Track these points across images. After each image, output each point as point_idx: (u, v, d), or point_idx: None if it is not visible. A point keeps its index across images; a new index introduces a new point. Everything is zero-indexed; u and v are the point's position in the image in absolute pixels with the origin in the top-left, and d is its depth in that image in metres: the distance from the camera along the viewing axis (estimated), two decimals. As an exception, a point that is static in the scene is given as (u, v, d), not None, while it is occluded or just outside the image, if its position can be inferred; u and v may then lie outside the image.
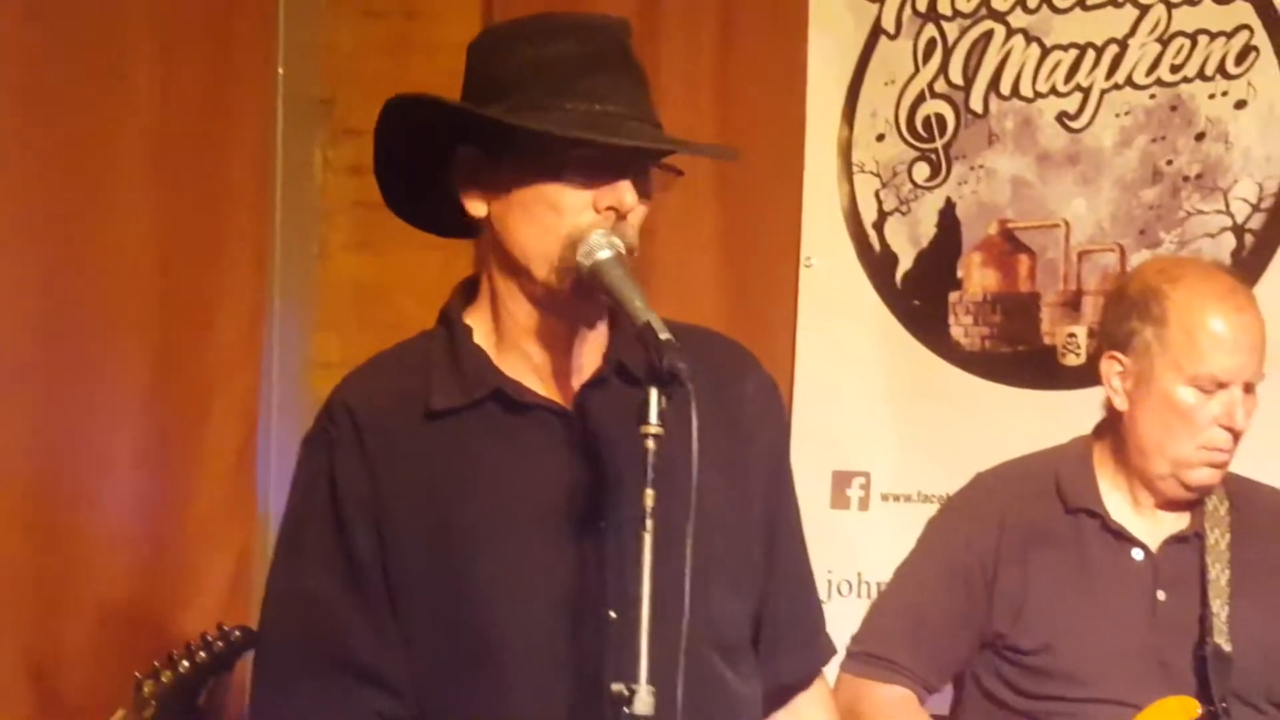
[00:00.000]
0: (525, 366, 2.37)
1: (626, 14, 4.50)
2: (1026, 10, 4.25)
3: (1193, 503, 3.32)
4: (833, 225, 4.44)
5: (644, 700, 2.07)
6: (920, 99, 4.35)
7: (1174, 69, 4.10)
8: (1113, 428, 3.36)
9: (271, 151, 4.84)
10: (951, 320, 4.32)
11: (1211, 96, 4.07)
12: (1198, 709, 3.21)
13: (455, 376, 2.37)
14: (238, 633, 3.75)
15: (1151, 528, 3.33)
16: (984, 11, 4.29)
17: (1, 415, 3.99)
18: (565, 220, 2.29)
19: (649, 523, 2.11)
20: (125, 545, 4.29)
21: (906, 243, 4.39)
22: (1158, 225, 4.11)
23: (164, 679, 3.64)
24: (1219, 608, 3.24)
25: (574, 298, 2.31)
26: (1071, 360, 4.19)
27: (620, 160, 2.29)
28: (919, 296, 4.37)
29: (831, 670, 3.42)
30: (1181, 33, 4.10)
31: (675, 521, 2.14)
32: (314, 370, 4.96)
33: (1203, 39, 4.07)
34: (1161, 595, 3.29)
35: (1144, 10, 4.14)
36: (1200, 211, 4.06)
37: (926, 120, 4.35)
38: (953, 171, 4.32)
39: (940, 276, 4.35)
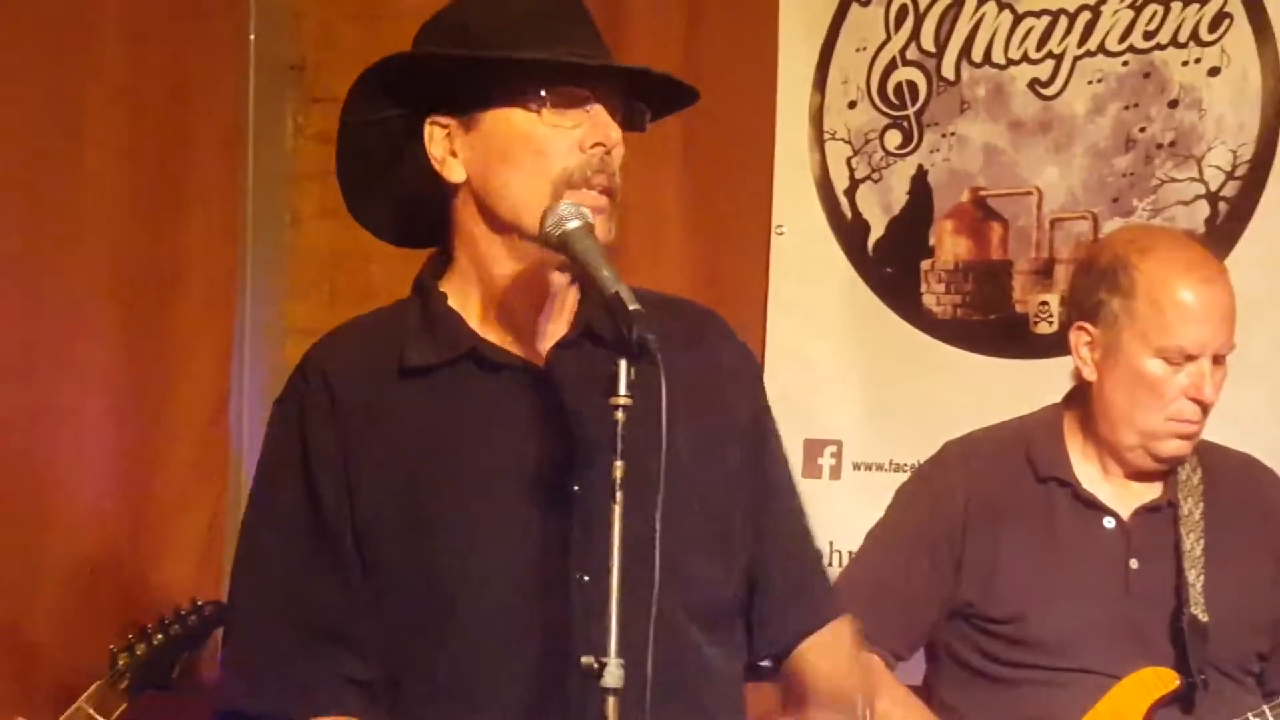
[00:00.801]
0: (501, 329, 2.37)
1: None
2: (998, -24, 4.25)
3: (1164, 472, 3.32)
4: (804, 193, 4.44)
5: (613, 673, 2.06)
6: (892, 66, 4.35)
7: (1147, 35, 4.09)
8: (1082, 397, 3.36)
9: (243, 118, 4.84)
10: (924, 288, 4.32)
11: (1185, 63, 4.06)
12: (1175, 680, 3.21)
13: (430, 337, 2.37)
14: (209, 606, 3.78)
15: (1123, 496, 3.33)
16: (955, -23, 4.29)
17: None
18: (551, 162, 2.29)
19: (618, 494, 2.11)
20: (98, 509, 4.30)
21: (878, 210, 4.38)
22: (1131, 193, 4.10)
23: (138, 651, 3.66)
24: (1194, 578, 3.24)
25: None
26: (1044, 328, 4.19)
27: (595, 97, 2.30)
28: (891, 264, 4.37)
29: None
30: (1154, -1, 4.10)
31: (648, 490, 2.13)
32: (286, 336, 4.96)
33: (1176, 5, 4.06)
34: (1134, 564, 3.29)
35: (1117, -24, 4.14)
36: (1174, 179, 4.05)
37: (898, 87, 4.34)
38: (924, 139, 4.31)
39: (912, 244, 4.34)
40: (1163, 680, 3.21)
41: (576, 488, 2.31)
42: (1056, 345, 4.01)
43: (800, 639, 2.52)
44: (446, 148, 2.36)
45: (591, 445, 2.27)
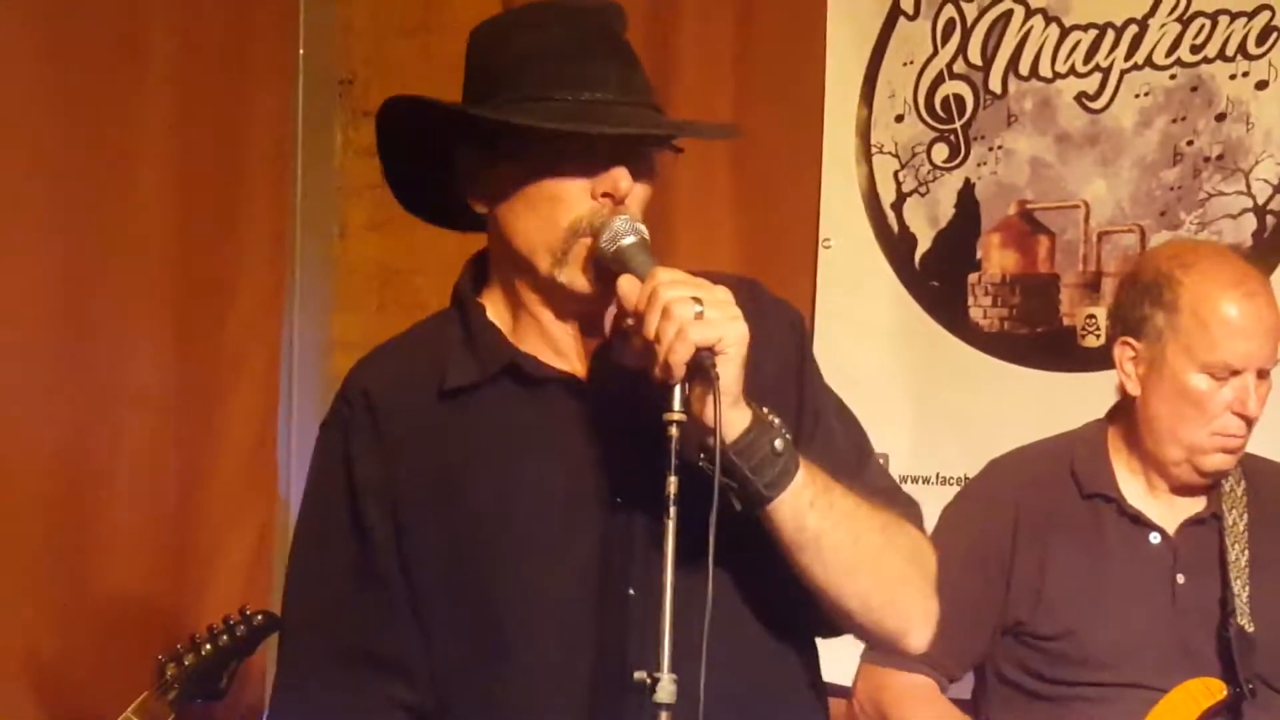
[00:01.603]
0: (540, 341, 2.37)
1: (642, -2, 4.59)
2: (1046, -10, 4.25)
3: (1208, 485, 3.31)
4: (851, 206, 4.44)
5: (666, 689, 2.07)
6: (939, 79, 4.35)
7: (1194, 49, 4.08)
8: (1126, 412, 3.35)
9: (292, 132, 4.86)
10: (970, 301, 4.31)
11: (1232, 77, 4.05)
12: (1223, 690, 3.20)
13: (469, 354, 2.37)
14: (259, 616, 3.78)
15: (1168, 511, 3.32)
16: (1003, -9, 4.29)
17: (22, 395, 4.01)
18: (565, 211, 2.28)
19: (672, 510, 2.11)
20: (146, 524, 4.32)
21: (925, 224, 4.38)
22: (1178, 206, 4.09)
23: (186, 661, 3.67)
24: (1240, 589, 3.23)
25: (591, 292, 2.30)
26: (1091, 342, 4.17)
27: (612, 148, 2.28)
28: (938, 278, 4.36)
29: (853, 660, 3.44)
30: (1202, 13, 4.08)
31: (698, 499, 2.14)
32: (334, 350, 4.98)
33: (1223, 19, 4.05)
34: (1181, 578, 3.28)
35: (1164, -10, 4.13)
36: (1221, 193, 4.04)
37: (945, 101, 4.34)
38: (972, 152, 4.31)
39: (959, 258, 4.34)
40: (1211, 691, 3.20)
41: (620, 499, 2.30)
42: (1104, 358, 3.99)
43: None
44: (471, 181, 2.38)
45: (635, 455, 2.25)
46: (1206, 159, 4.06)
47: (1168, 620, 3.26)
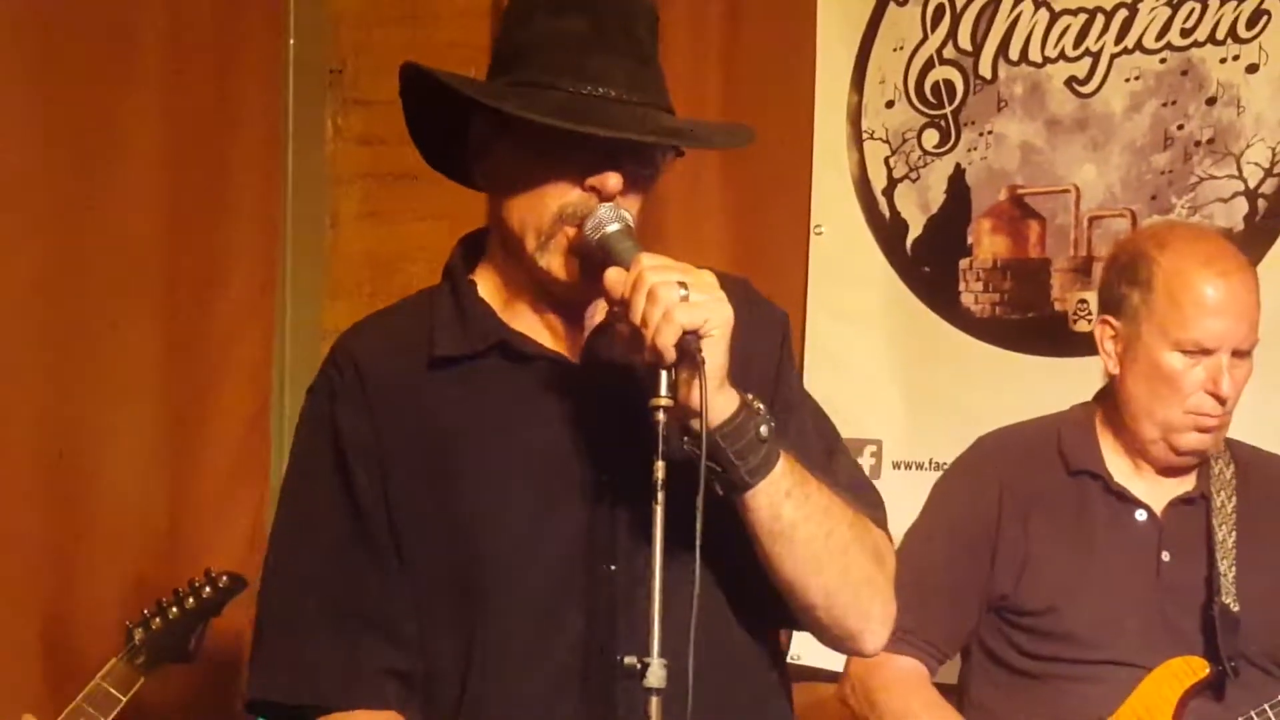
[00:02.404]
0: (532, 320, 2.39)
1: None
2: (1035, -25, 4.25)
3: (1193, 465, 3.32)
4: (842, 193, 4.44)
5: (656, 673, 2.08)
6: (929, 65, 4.34)
7: (1184, 33, 4.08)
8: (1112, 392, 3.37)
9: (282, 121, 4.86)
10: (962, 287, 4.32)
11: (1223, 60, 4.05)
12: (1206, 668, 3.22)
13: (460, 328, 2.39)
14: (225, 578, 3.79)
15: (1155, 490, 3.34)
16: (993, -24, 4.29)
17: (13, 384, 4.00)
18: (554, 198, 2.30)
19: (660, 495, 2.12)
20: (138, 513, 4.31)
21: (916, 209, 4.38)
22: (1169, 190, 4.10)
23: (154, 626, 3.67)
24: (1226, 568, 3.24)
25: (572, 281, 2.33)
26: (1082, 326, 4.17)
27: (606, 146, 2.29)
28: (929, 263, 4.36)
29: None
30: (1191, -4, 4.09)
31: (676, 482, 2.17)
32: (325, 339, 4.96)
33: (1213, 3, 4.05)
34: (1166, 556, 3.29)
35: (1154, -26, 4.13)
36: (1212, 176, 4.04)
37: (935, 86, 4.34)
38: (962, 138, 4.31)
39: (950, 243, 4.34)
40: (1193, 669, 3.22)
41: (604, 480, 2.33)
42: (1095, 343, 4.01)
43: None
44: (477, 153, 2.41)
45: (623, 435, 2.27)
46: (1197, 143, 4.07)
47: (1151, 598, 3.28)
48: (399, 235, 4.75)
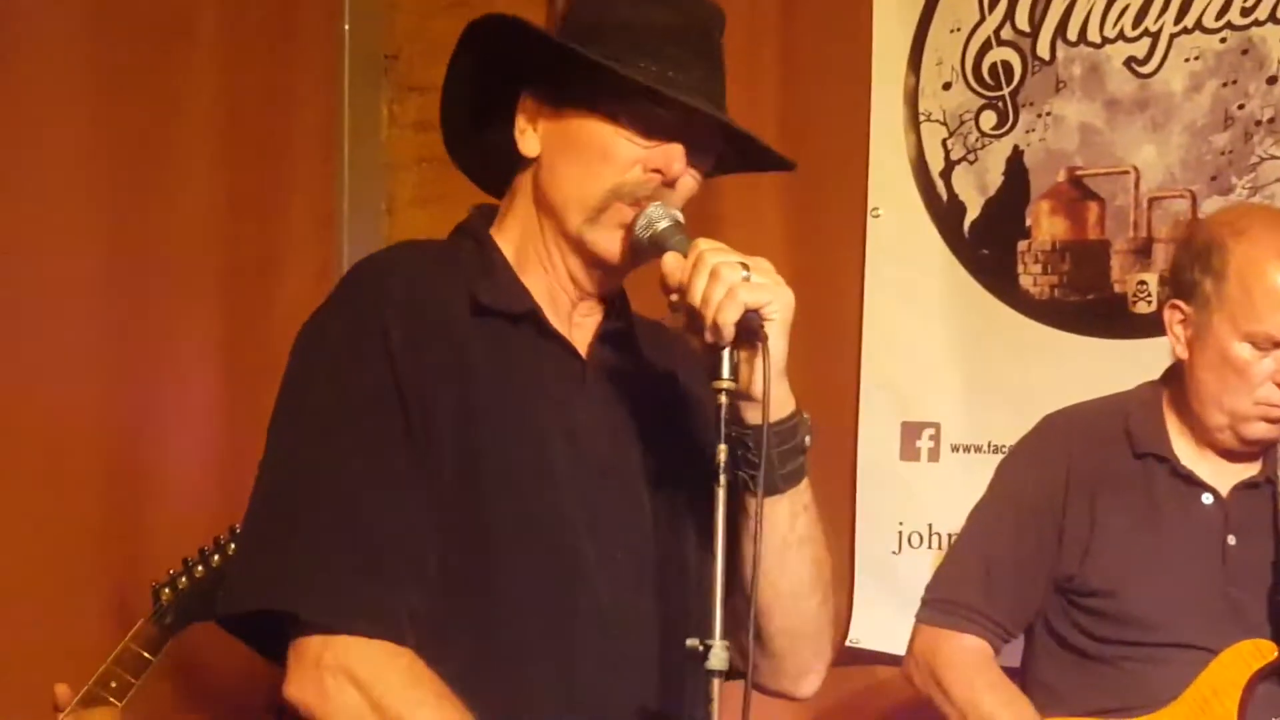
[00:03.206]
0: (544, 298, 2.37)
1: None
2: (1094, -45, 4.22)
3: (1261, 450, 3.30)
4: (899, 175, 4.43)
5: (719, 655, 2.08)
6: (986, 46, 4.33)
7: (1244, 12, 4.06)
8: (1180, 375, 3.35)
9: (338, 108, 4.87)
10: (1020, 269, 4.30)
11: (1283, 39, 4.03)
12: (1274, 652, 3.20)
13: (493, 283, 2.35)
14: None
15: (1221, 473, 3.32)
16: (1051, -44, 4.27)
17: (74, 375, 4.03)
18: (611, 170, 2.30)
19: (722, 478, 2.12)
20: (197, 503, 4.32)
21: (974, 191, 4.36)
22: (1229, 171, 4.07)
23: (180, 585, 3.66)
24: None
25: (616, 260, 2.32)
26: (1142, 308, 4.16)
27: (677, 125, 2.29)
28: (987, 245, 4.35)
29: (905, 631, 3.45)
30: (1252, -25, 4.06)
31: (645, 472, 2.28)
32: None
33: (1273, -19, 4.04)
34: (1232, 540, 3.27)
35: (1214, -47, 4.10)
36: (1273, 156, 4.02)
37: (993, 68, 4.32)
38: (1020, 119, 4.29)
39: (1008, 225, 4.32)
40: (1262, 652, 3.20)
41: (613, 468, 2.34)
42: (1155, 325, 3.98)
43: None
44: (531, 121, 2.38)
45: (625, 434, 2.33)
46: (1258, 122, 4.04)
47: (1217, 581, 3.26)
48: (454, 220, 4.67)
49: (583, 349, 2.38)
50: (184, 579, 3.65)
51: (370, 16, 4.98)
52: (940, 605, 3.42)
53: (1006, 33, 4.31)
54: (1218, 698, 3.19)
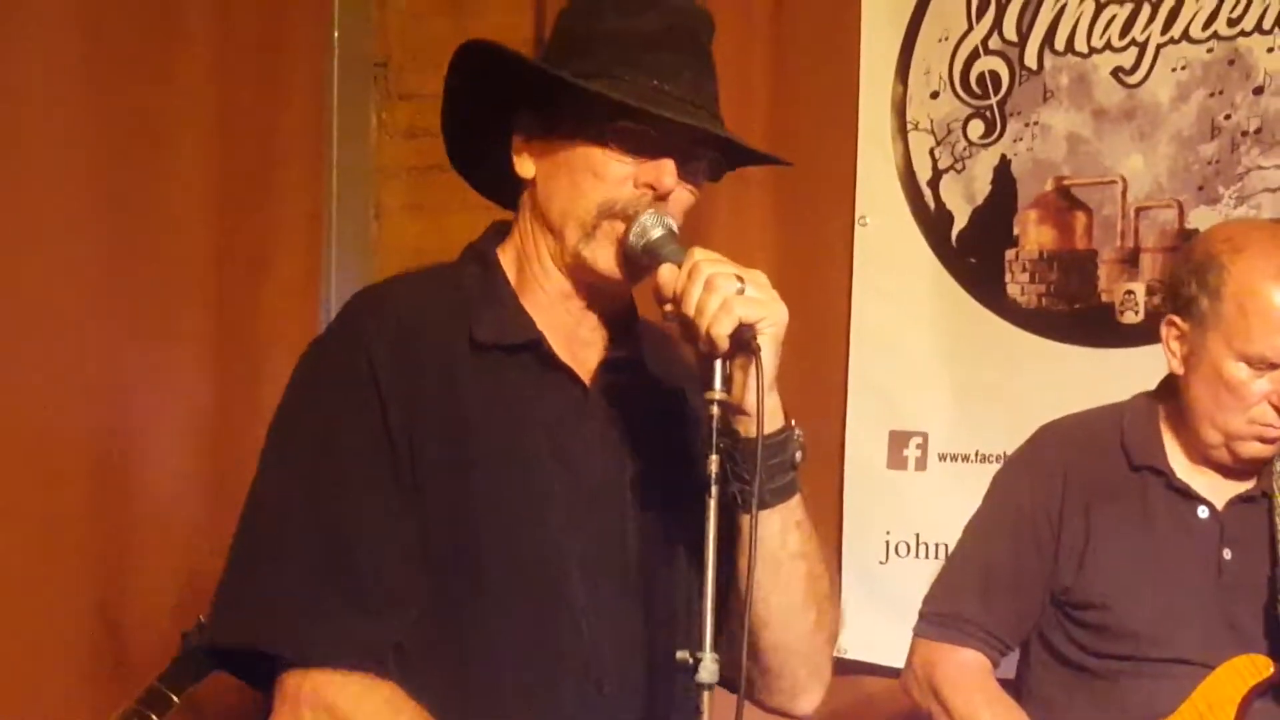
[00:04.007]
0: (547, 322, 2.38)
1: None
2: (1081, -35, 4.23)
3: (1256, 467, 3.29)
4: (887, 183, 4.43)
5: (709, 668, 2.09)
6: (974, 55, 4.33)
7: (1231, 22, 4.07)
8: (1175, 388, 3.34)
9: (327, 114, 4.87)
10: (1008, 278, 4.31)
11: (1270, 50, 4.03)
12: (1270, 667, 3.19)
13: (493, 315, 2.37)
14: None
15: (1217, 487, 3.31)
16: (1038, -34, 4.28)
17: (61, 376, 4.02)
18: (603, 188, 2.31)
19: (714, 490, 2.13)
20: (184, 505, 4.33)
21: (962, 200, 4.37)
22: (1216, 181, 4.08)
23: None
24: None
25: (614, 275, 2.33)
26: (1129, 318, 4.16)
27: (665, 140, 2.30)
28: (975, 254, 4.35)
29: (903, 642, 3.44)
30: (1239, -15, 4.07)
31: (642, 495, 2.30)
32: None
33: (1260, -9, 4.05)
34: (1228, 554, 3.27)
35: (1200, -37, 4.11)
36: (1260, 167, 4.02)
37: (981, 77, 4.33)
38: (1008, 128, 4.30)
39: (996, 234, 4.33)
40: (1258, 667, 3.19)
41: (612, 492, 2.36)
42: (1142, 334, 4.00)
43: None
44: (525, 143, 2.40)
45: (626, 459, 2.35)
46: (1244, 133, 4.05)
47: (1212, 595, 3.25)
48: (443, 228, 4.75)
49: (586, 374, 2.39)
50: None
51: (360, 24, 4.98)
52: (938, 619, 3.42)
53: (994, 42, 4.32)
54: (1213, 713, 3.19)
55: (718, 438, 2.15)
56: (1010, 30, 4.30)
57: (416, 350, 2.31)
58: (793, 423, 2.26)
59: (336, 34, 4.89)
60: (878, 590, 4.24)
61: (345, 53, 4.91)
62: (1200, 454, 3.29)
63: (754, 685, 2.38)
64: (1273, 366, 3.18)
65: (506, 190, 2.48)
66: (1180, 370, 3.28)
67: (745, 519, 2.21)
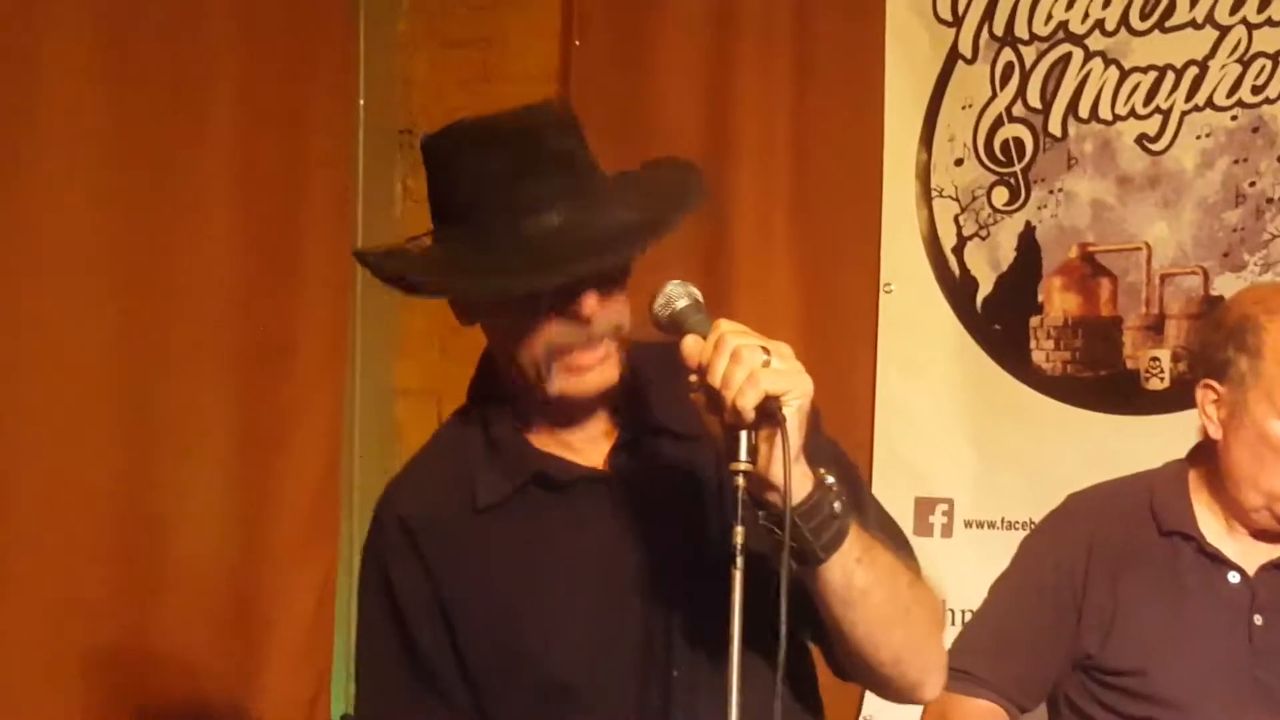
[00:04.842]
0: (555, 439, 2.42)
1: (701, 43, 4.60)
2: (1105, 33, 4.23)
3: None
4: (912, 250, 4.43)
5: None
6: (998, 123, 4.34)
7: (1255, 90, 4.07)
8: (1208, 453, 3.31)
9: (353, 181, 4.89)
10: (1033, 345, 4.30)
11: (1294, 117, 4.05)
12: None
13: (495, 465, 2.42)
14: None
15: (1248, 552, 3.28)
16: (1061, 35, 4.28)
17: (84, 446, 4.03)
18: (537, 337, 2.33)
19: (739, 560, 2.11)
20: (207, 575, 4.32)
21: (986, 267, 4.37)
22: (1241, 248, 4.08)
23: None
24: None
25: (591, 395, 2.39)
26: (1155, 384, 4.16)
27: (561, 289, 2.31)
28: (1000, 321, 4.35)
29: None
30: (1262, 54, 4.07)
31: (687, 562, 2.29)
32: (396, 396, 4.99)
33: (1284, 59, 4.05)
34: (1259, 620, 3.24)
35: (1224, 31, 4.11)
36: (1284, 233, 4.03)
37: (1005, 144, 4.33)
38: (1032, 195, 4.30)
39: (1021, 301, 4.33)
40: None
41: (656, 585, 2.36)
42: (1168, 401, 4.00)
43: None
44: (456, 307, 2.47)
45: (664, 541, 2.35)
46: (1269, 200, 4.05)
47: (1244, 661, 3.22)
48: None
49: (601, 460, 2.42)
50: None
51: (385, 91, 5.00)
52: (954, 673, 3.40)
53: (1018, 110, 4.32)
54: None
55: (746, 509, 2.14)
56: (1034, 98, 4.30)
57: (425, 546, 2.42)
58: (821, 473, 2.24)
59: (362, 102, 4.91)
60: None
61: (370, 120, 4.93)
62: (1239, 518, 3.27)
63: (876, 691, 2.46)
64: None
65: None
66: (1219, 435, 3.26)
67: (810, 573, 2.24)
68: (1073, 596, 3.32)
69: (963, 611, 4.12)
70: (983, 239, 4.37)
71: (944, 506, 4.34)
